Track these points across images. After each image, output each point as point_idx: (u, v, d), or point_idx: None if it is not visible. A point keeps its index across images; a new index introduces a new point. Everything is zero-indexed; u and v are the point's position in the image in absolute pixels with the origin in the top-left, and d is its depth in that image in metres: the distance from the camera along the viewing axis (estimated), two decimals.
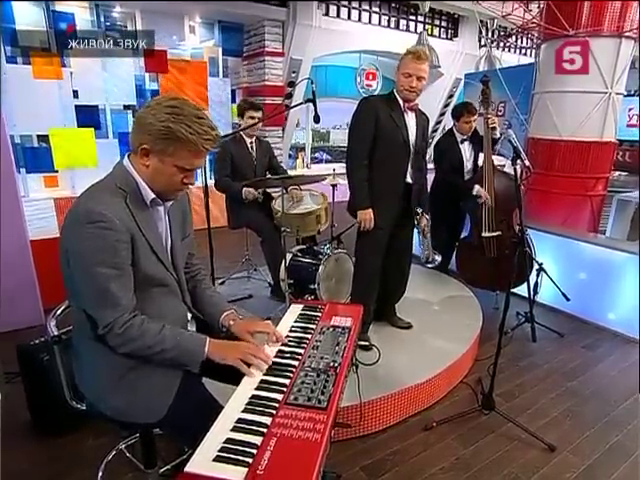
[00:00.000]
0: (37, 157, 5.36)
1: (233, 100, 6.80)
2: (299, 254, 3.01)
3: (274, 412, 1.03)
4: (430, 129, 3.35)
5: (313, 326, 1.46)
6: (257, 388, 1.14)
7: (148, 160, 1.19)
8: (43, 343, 2.01)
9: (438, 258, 2.92)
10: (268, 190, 3.30)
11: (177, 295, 1.38)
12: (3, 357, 2.38)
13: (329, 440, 0.97)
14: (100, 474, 1.80)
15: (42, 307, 3.02)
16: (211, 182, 3.13)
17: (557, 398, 2.47)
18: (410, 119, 2.44)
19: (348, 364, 1.27)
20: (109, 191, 1.19)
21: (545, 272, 3.16)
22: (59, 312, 1.42)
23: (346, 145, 2.52)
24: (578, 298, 3.22)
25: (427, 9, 7.31)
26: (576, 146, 4.07)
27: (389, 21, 8.08)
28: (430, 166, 3.51)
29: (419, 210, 2.62)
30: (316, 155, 9.58)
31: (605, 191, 4.36)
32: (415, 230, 2.78)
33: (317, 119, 2.67)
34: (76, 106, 5.29)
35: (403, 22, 8.27)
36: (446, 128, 7.87)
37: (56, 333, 1.37)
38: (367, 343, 2.54)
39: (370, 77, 8.26)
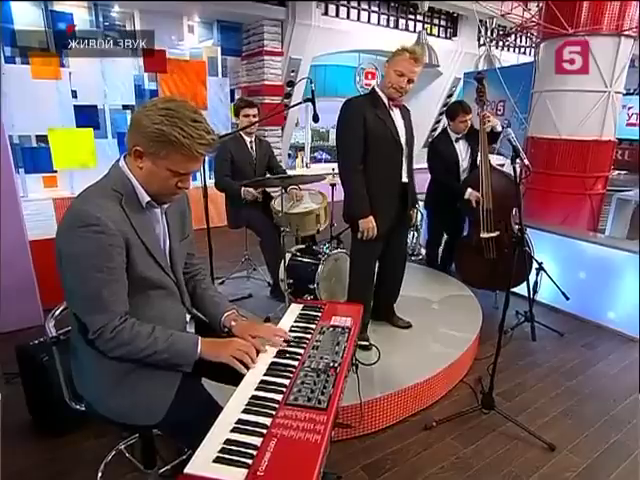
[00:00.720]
0: (36, 157, 5.35)
1: (232, 100, 6.79)
2: (298, 254, 3.00)
3: (274, 413, 1.03)
4: (429, 129, 3.34)
5: (313, 326, 1.45)
6: (257, 388, 1.14)
7: (142, 162, 1.17)
8: (42, 343, 2.00)
9: (423, 251, 2.91)
10: (267, 190, 3.30)
11: (176, 297, 1.37)
12: (2, 358, 2.39)
13: (329, 441, 0.97)
14: (100, 474, 1.80)
15: (41, 307, 3.01)
16: (211, 182, 3.12)
17: (557, 397, 2.47)
18: (396, 116, 2.37)
19: (348, 364, 1.27)
20: (104, 193, 1.17)
21: (545, 271, 3.16)
22: (58, 313, 1.41)
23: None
24: (578, 297, 3.21)
25: (426, 8, 7.29)
26: (575, 145, 4.07)
27: (388, 20, 8.07)
28: (425, 166, 3.52)
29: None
30: (315, 154, 9.57)
31: (604, 190, 4.36)
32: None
33: (316, 118, 2.65)
34: (75, 106, 5.27)
35: (402, 21, 8.27)
36: None
37: (55, 334, 1.37)
38: (367, 343, 2.53)
39: (369, 76, 8.27)
